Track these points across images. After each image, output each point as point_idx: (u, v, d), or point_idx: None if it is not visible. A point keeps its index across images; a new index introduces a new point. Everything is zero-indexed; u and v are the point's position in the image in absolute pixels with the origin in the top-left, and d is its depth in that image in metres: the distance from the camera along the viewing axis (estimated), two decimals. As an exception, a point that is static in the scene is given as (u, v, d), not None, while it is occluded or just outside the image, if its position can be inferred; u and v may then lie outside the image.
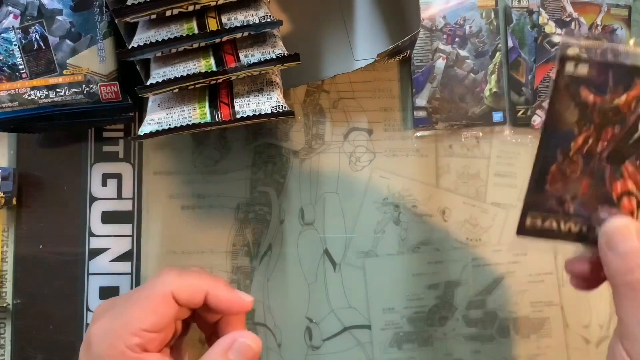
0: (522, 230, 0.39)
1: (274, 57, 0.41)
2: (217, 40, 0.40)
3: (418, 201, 0.53)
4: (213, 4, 0.40)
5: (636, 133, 0.37)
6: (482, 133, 0.53)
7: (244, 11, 0.41)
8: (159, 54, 0.41)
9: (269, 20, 0.41)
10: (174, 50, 0.40)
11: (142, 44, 0.40)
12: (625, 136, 0.37)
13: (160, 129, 0.41)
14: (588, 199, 0.38)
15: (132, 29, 0.43)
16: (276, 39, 0.43)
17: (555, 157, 0.38)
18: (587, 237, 0.38)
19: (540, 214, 0.38)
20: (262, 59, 0.41)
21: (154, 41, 0.40)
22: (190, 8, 0.40)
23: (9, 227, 0.51)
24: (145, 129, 0.42)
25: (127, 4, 0.39)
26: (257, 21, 0.40)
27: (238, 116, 0.41)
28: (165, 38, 0.40)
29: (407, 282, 0.52)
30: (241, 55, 0.41)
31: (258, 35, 0.42)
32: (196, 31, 0.40)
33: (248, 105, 0.42)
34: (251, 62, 0.41)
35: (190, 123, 0.41)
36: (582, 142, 0.37)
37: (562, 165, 0.38)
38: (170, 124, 0.41)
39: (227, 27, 0.40)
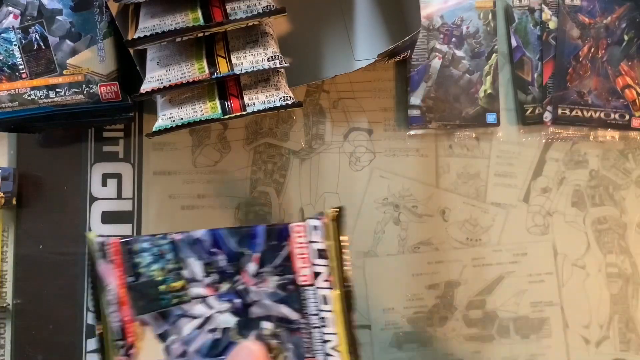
0: (555, 119, 0.52)
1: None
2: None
3: (418, 201, 0.53)
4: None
5: (623, 42, 0.53)
6: (475, 134, 0.53)
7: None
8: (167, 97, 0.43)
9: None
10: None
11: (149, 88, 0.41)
12: (615, 45, 0.53)
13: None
14: (600, 92, 0.52)
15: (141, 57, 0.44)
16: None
17: (570, 62, 0.53)
18: (605, 121, 0.53)
19: (567, 106, 0.52)
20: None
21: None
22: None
23: (9, 227, 0.51)
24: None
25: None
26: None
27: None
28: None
29: (407, 282, 0.52)
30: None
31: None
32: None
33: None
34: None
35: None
36: (587, 50, 0.53)
37: (576, 67, 0.53)
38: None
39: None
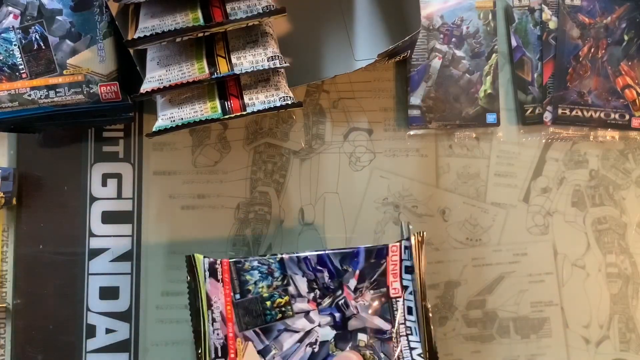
0: (555, 119, 0.52)
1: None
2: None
3: (418, 201, 0.53)
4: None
5: (623, 42, 0.53)
6: (475, 134, 0.53)
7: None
8: (167, 96, 0.43)
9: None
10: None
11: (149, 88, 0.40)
12: (615, 45, 0.53)
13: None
14: (600, 92, 0.52)
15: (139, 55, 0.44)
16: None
17: (570, 62, 0.53)
18: (605, 121, 0.53)
19: (567, 106, 0.52)
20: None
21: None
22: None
23: (9, 227, 0.51)
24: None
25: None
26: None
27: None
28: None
29: (407, 282, 0.52)
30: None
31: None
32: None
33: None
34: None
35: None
36: (587, 50, 0.53)
37: (576, 67, 0.52)
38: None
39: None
